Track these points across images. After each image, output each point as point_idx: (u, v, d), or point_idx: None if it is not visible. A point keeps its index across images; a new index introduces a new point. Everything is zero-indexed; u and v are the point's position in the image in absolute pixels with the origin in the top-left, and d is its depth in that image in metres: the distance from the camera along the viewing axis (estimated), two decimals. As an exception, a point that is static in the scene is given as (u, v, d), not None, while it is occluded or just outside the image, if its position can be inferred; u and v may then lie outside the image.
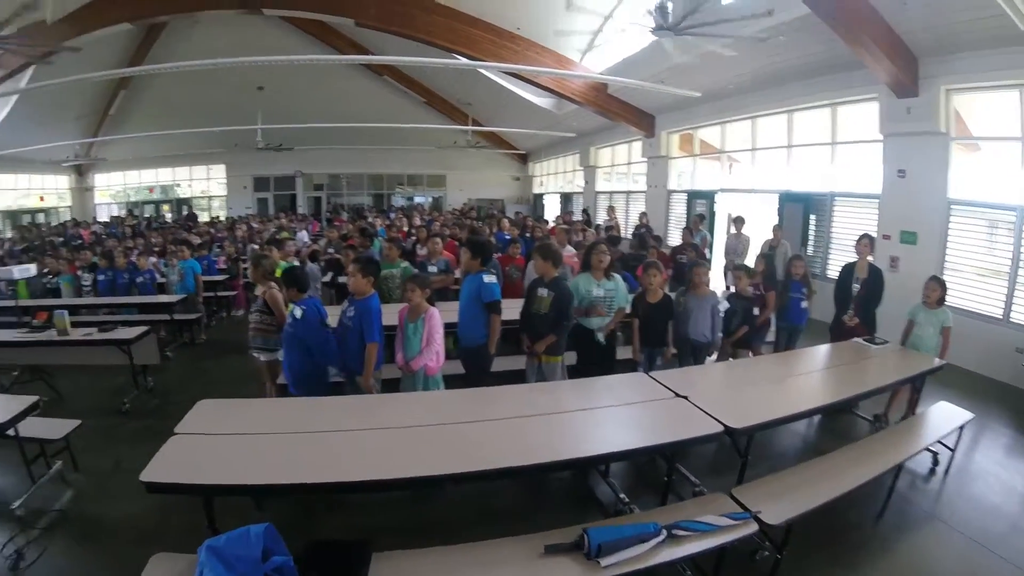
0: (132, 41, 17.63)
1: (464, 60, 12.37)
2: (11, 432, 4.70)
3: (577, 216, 17.19)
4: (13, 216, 22.33)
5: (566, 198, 22.48)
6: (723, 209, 13.43)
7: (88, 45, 13.32)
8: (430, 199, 27.18)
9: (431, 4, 11.92)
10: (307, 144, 21.79)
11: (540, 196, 25.42)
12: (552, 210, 22.59)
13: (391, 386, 5.23)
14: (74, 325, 7.18)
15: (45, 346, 6.84)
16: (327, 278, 9.40)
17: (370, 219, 16.43)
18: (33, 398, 5.01)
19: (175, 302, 8.92)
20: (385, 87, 20.84)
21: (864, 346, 5.91)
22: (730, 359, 6.44)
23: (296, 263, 8.02)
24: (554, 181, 24.40)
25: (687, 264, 7.74)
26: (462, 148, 21.33)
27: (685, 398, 4.11)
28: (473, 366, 5.49)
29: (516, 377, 5.63)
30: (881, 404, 6.14)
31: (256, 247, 11.40)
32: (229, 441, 3.50)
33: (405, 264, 7.54)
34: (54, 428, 5.26)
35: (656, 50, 10.38)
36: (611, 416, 3.98)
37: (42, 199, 24.66)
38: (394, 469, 3.17)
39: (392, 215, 19.17)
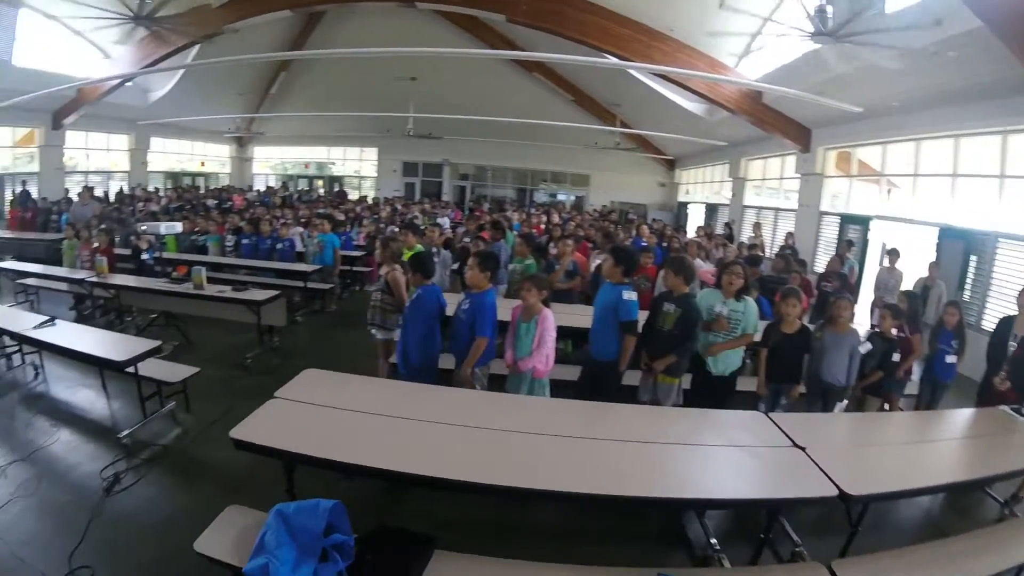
0: (294, 26, 19.18)
1: (614, 60, 12.18)
2: (131, 370, 5.21)
3: (719, 230, 16.43)
4: (175, 177, 24.86)
5: (711, 209, 21.49)
6: (877, 238, 12.30)
7: (252, 28, 14.78)
8: (572, 198, 27.07)
9: (582, 2, 11.84)
10: (456, 134, 22.34)
11: (684, 205, 24.48)
12: (695, 221, 21.77)
13: (497, 383, 5.17)
14: (213, 282, 7.88)
15: (182, 297, 7.59)
16: (456, 266, 9.55)
17: (508, 212, 16.60)
18: (156, 343, 5.52)
19: (311, 271, 9.42)
20: (535, 84, 21.05)
21: (1011, 416, 5.01)
22: (861, 406, 5.75)
23: (433, 249, 8.22)
24: (700, 190, 23.43)
25: (831, 294, 7.08)
26: (608, 149, 21.09)
27: (803, 449, 3.66)
28: (596, 380, 5.11)
29: (628, 392, 5.30)
30: (1016, 484, 5.20)
31: (395, 229, 11.82)
32: (322, 413, 3.62)
33: (530, 261, 7.49)
34: (173, 372, 5.75)
35: (815, 58, 9.80)
36: (717, 457, 3.59)
37: (203, 164, 27.28)
38: (479, 472, 3.09)
39: (532, 210, 19.28)
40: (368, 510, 3.89)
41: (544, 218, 15.49)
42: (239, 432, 3.29)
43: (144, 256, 9.18)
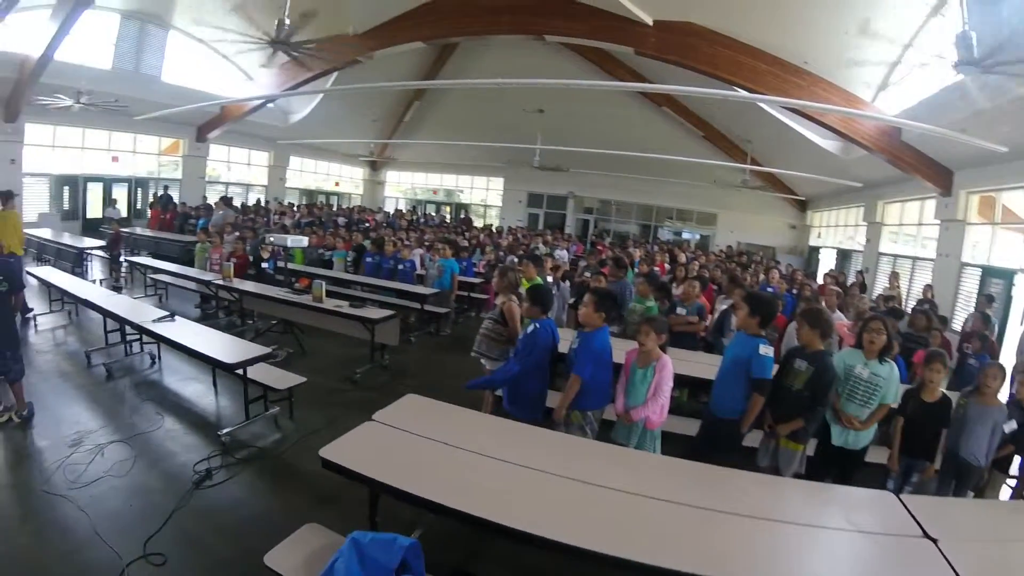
0: (428, 57, 20.13)
1: (744, 93, 11.75)
2: (240, 372, 5.35)
3: (851, 278, 15.22)
4: (310, 194, 27.27)
5: (843, 255, 20.07)
6: (1022, 294, 10.95)
7: (387, 58, 15.71)
8: (697, 236, 26.33)
9: (713, 35, 11.51)
10: (582, 167, 22.44)
11: (816, 249, 23.08)
12: (826, 266, 20.39)
13: (606, 428, 4.79)
14: (334, 296, 8.15)
15: (301, 308, 7.85)
16: (573, 300, 9.34)
17: (630, 248, 16.22)
18: (266, 349, 5.67)
19: (428, 294, 9.50)
20: (663, 118, 20.72)
21: None
22: (986, 485, 4.91)
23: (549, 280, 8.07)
24: (832, 234, 21.99)
25: (976, 359, 6.34)
26: (736, 187, 20.36)
27: (934, 541, 3.07)
28: (713, 438, 4.63)
29: (746, 452, 4.66)
30: None
31: (515, 259, 11.81)
32: (416, 443, 3.51)
33: (651, 303, 7.11)
34: (281, 379, 5.82)
35: (958, 91, 9.02)
36: (836, 543, 3.08)
37: (337, 184, 29.63)
38: (572, 531, 2.78)
39: (655, 247, 18.82)
40: (451, 547, 3.73)
41: (667, 256, 14.97)
42: (329, 452, 3.28)
43: (264, 265, 9.62)
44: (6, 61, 13.68)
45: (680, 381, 5.08)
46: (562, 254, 14.64)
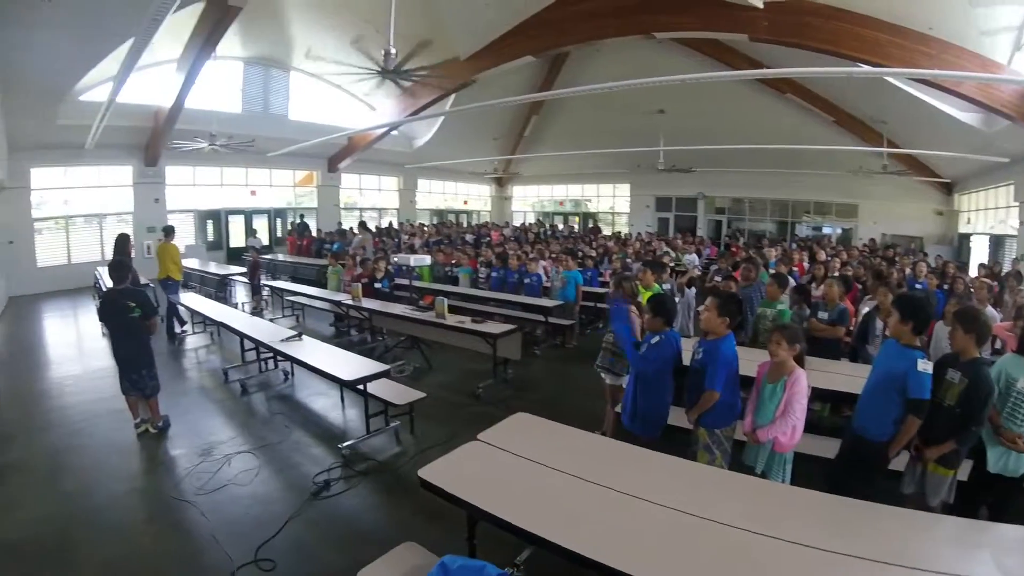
0: (540, 70, 20.16)
1: (866, 68, 10.85)
2: (359, 388, 5.54)
3: (1007, 267, 13.44)
4: (440, 214, 28.58)
5: (997, 242, 17.78)
6: None
7: (501, 75, 15.95)
8: (839, 231, 24.48)
9: (828, 10, 10.65)
10: (709, 166, 21.66)
11: (966, 237, 20.62)
12: (979, 256, 18.14)
13: (737, 449, 4.36)
14: (462, 311, 8.34)
15: (425, 324, 8.04)
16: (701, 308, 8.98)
17: (765, 248, 15.33)
18: (385, 366, 5.80)
19: (552, 307, 9.46)
20: (788, 106, 19.41)
21: None
22: None
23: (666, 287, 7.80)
24: (983, 219, 19.57)
25: None
26: (874, 174, 18.75)
27: None
28: (855, 462, 4.08)
29: (890, 475, 4.10)
30: None
31: (641, 266, 11.60)
32: (520, 465, 3.36)
33: (783, 306, 6.57)
34: (402, 394, 5.95)
35: None
36: None
37: (466, 202, 30.65)
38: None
39: (793, 245, 17.77)
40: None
41: (806, 254, 13.99)
42: (428, 472, 3.24)
43: (377, 284, 9.95)
44: (142, 112, 15.59)
45: (821, 395, 4.73)
46: (691, 258, 14.17)
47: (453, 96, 17.57)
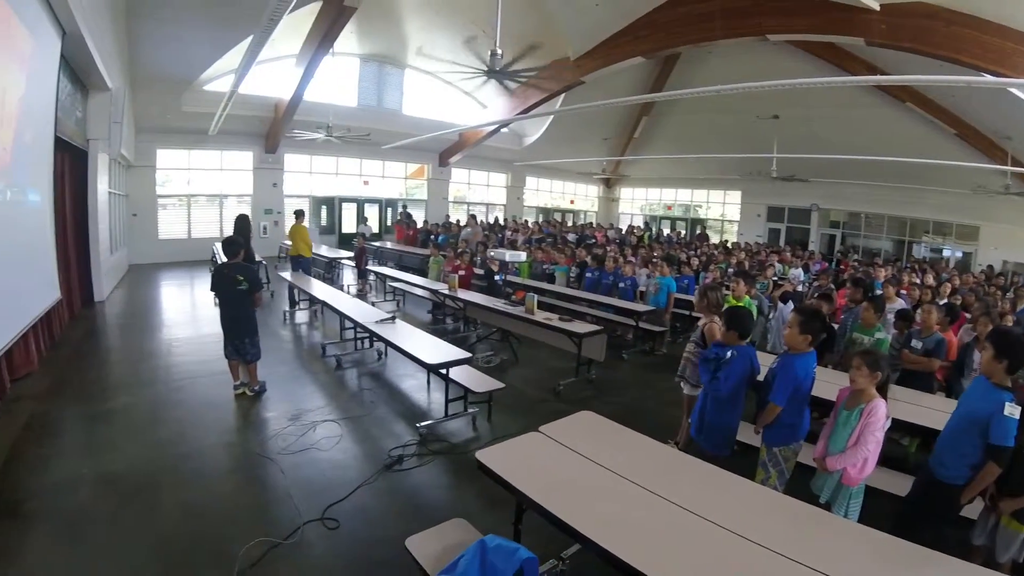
0: (650, 71, 20.01)
1: (989, 78, 10.07)
2: (442, 371, 5.81)
3: None
4: (546, 212, 28.83)
5: None
6: None
7: (611, 75, 15.92)
8: (959, 254, 22.62)
9: (949, 14, 9.90)
10: (824, 177, 20.65)
11: None
12: None
13: (806, 474, 4.19)
14: (553, 309, 8.56)
15: (515, 318, 8.22)
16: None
17: (877, 268, 14.40)
18: (467, 354, 6.00)
19: (643, 312, 9.44)
20: (908, 116, 18.06)
21: None
22: None
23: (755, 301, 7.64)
24: None
25: None
26: (997, 194, 17.26)
27: None
28: (926, 503, 3.84)
29: (962, 525, 3.90)
30: None
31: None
32: (575, 462, 3.40)
33: (882, 335, 6.31)
34: (483, 383, 6.15)
35: None
36: None
37: (572, 202, 30.72)
38: None
39: (906, 266, 16.75)
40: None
41: (917, 278, 13.07)
42: (485, 455, 3.36)
43: (496, 278, 10.38)
44: (263, 103, 17.08)
45: (910, 429, 4.51)
46: (797, 272, 13.67)
47: (563, 95, 17.72)
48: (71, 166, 9.65)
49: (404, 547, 3.17)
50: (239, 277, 6.18)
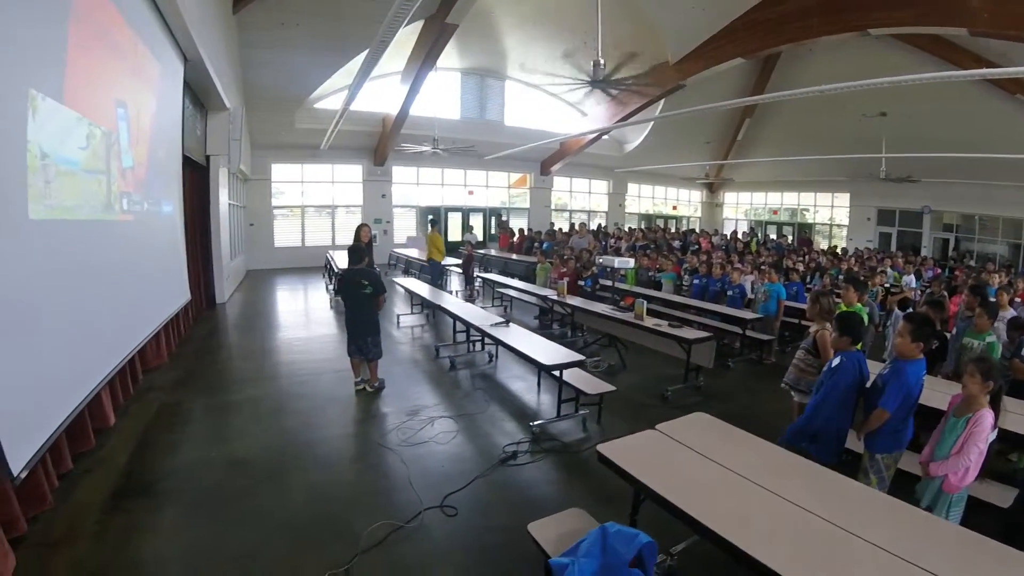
0: (751, 72, 19.49)
1: None
2: (556, 373, 5.92)
3: None
4: (648, 218, 28.39)
5: None
6: None
7: (711, 77, 15.70)
8: None
9: None
10: (935, 176, 19.40)
11: None
12: None
13: (909, 480, 4.11)
14: (659, 315, 8.45)
15: (623, 324, 8.24)
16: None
17: (989, 274, 13.38)
18: (580, 357, 6.12)
19: (751, 319, 9.24)
20: (1020, 109, 16.99)
21: None
22: None
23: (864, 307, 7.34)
24: None
25: None
26: None
27: None
28: None
29: None
30: None
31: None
32: (691, 457, 3.49)
33: (992, 338, 5.98)
34: (595, 385, 6.19)
35: None
36: None
37: (675, 208, 30.22)
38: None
39: (1022, 272, 15.55)
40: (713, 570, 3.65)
41: None
42: (606, 448, 3.52)
43: (580, 282, 10.52)
44: (371, 118, 18.01)
45: (1019, 441, 4.24)
46: (909, 279, 12.98)
47: (663, 100, 17.63)
48: (193, 180, 10.43)
49: (519, 536, 3.38)
50: (364, 282, 6.62)
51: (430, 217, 14.24)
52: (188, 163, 9.64)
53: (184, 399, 6.48)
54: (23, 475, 3.43)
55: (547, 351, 6.25)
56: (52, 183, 4.12)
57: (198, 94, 10.54)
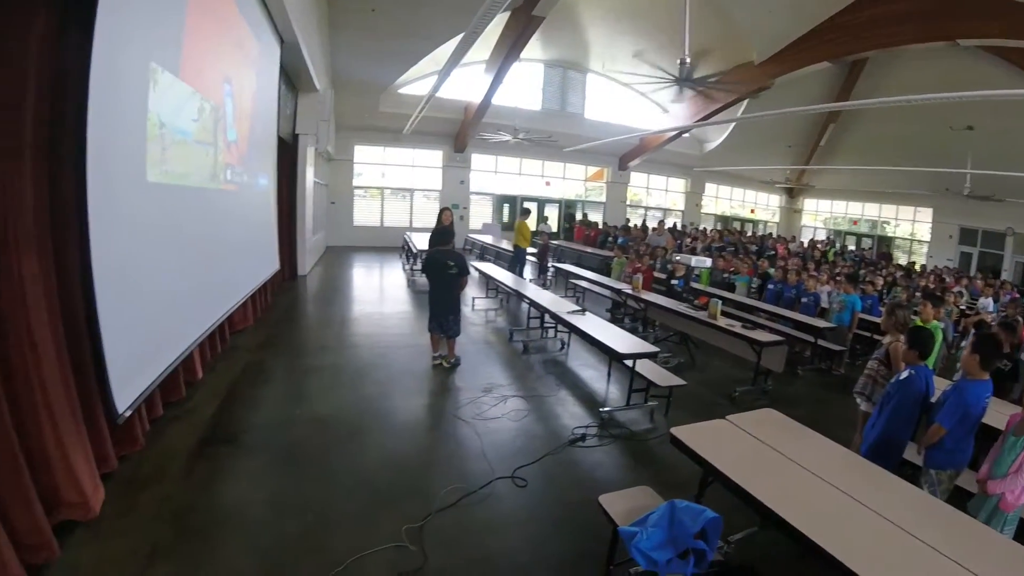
0: (837, 77, 18.92)
1: None
2: (628, 363, 6.03)
3: None
4: (724, 220, 27.98)
5: None
6: None
7: (796, 80, 15.44)
8: None
9: None
10: (1021, 197, 18.61)
11: None
12: None
13: (965, 498, 4.04)
14: (727, 317, 8.36)
15: (696, 322, 8.24)
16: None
17: None
18: (655, 348, 6.23)
19: (824, 328, 9.10)
20: None
21: None
22: None
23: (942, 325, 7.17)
24: None
25: None
26: None
27: None
28: None
29: None
30: None
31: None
32: (758, 447, 3.61)
33: None
34: (665, 378, 6.28)
35: None
36: None
37: (752, 211, 29.45)
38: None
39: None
40: (766, 560, 3.75)
41: None
42: (678, 431, 3.67)
43: (674, 282, 10.44)
44: (453, 106, 18.27)
45: None
46: (986, 303, 12.49)
47: (746, 101, 17.41)
48: (281, 157, 10.82)
49: (585, 511, 3.72)
50: (450, 262, 6.91)
51: (524, 206, 14.57)
52: (278, 141, 10.08)
53: (268, 360, 6.93)
54: (126, 414, 3.77)
55: (621, 340, 6.35)
56: (167, 151, 4.48)
57: (290, 75, 11.07)
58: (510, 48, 13.61)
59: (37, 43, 3.12)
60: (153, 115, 4.15)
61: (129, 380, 3.86)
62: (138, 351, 4.03)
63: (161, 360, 4.48)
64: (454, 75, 10.07)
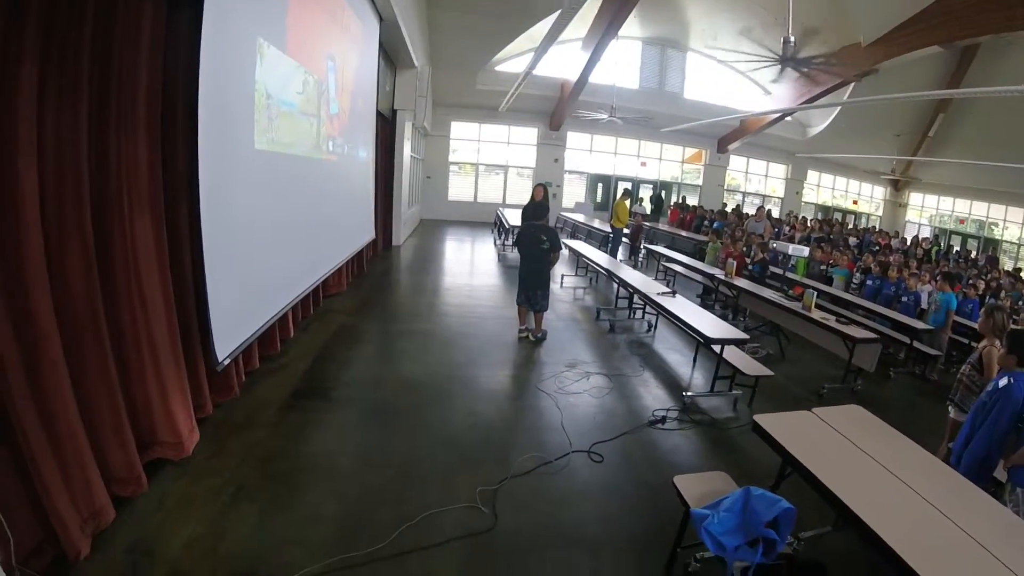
0: (949, 63, 17.74)
1: None
2: (716, 348, 5.97)
3: None
4: (825, 210, 26.30)
5: None
6: None
7: (906, 65, 14.55)
8: None
9: None
10: None
11: None
12: None
13: None
14: (821, 309, 8.12)
15: (789, 313, 8.03)
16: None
17: None
18: (744, 336, 6.09)
19: (921, 330, 8.70)
20: None
21: None
22: None
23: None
24: None
25: None
26: None
27: None
28: None
29: None
30: None
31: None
32: (839, 443, 3.54)
33: None
34: (752, 367, 6.13)
35: None
36: None
37: (855, 203, 27.64)
38: None
39: None
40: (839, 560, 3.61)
41: None
42: (762, 419, 3.66)
43: (749, 267, 10.37)
44: (550, 84, 18.23)
45: None
46: None
47: (852, 85, 16.48)
48: (379, 131, 11.13)
49: (659, 492, 3.84)
50: (543, 237, 7.05)
51: (625, 187, 15.04)
52: (377, 116, 10.34)
53: (360, 323, 7.27)
54: (225, 362, 4.08)
55: (710, 325, 6.24)
56: (274, 120, 4.76)
57: (389, 52, 11.37)
58: (608, 25, 13.35)
59: (151, 16, 3.35)
60: (260, 86, 4.43)
61: (229, 332, 4.15)
62: (239, 306, 4.32)
63: (260, 316, 4.80)
64: (551, 52, 10.08)
